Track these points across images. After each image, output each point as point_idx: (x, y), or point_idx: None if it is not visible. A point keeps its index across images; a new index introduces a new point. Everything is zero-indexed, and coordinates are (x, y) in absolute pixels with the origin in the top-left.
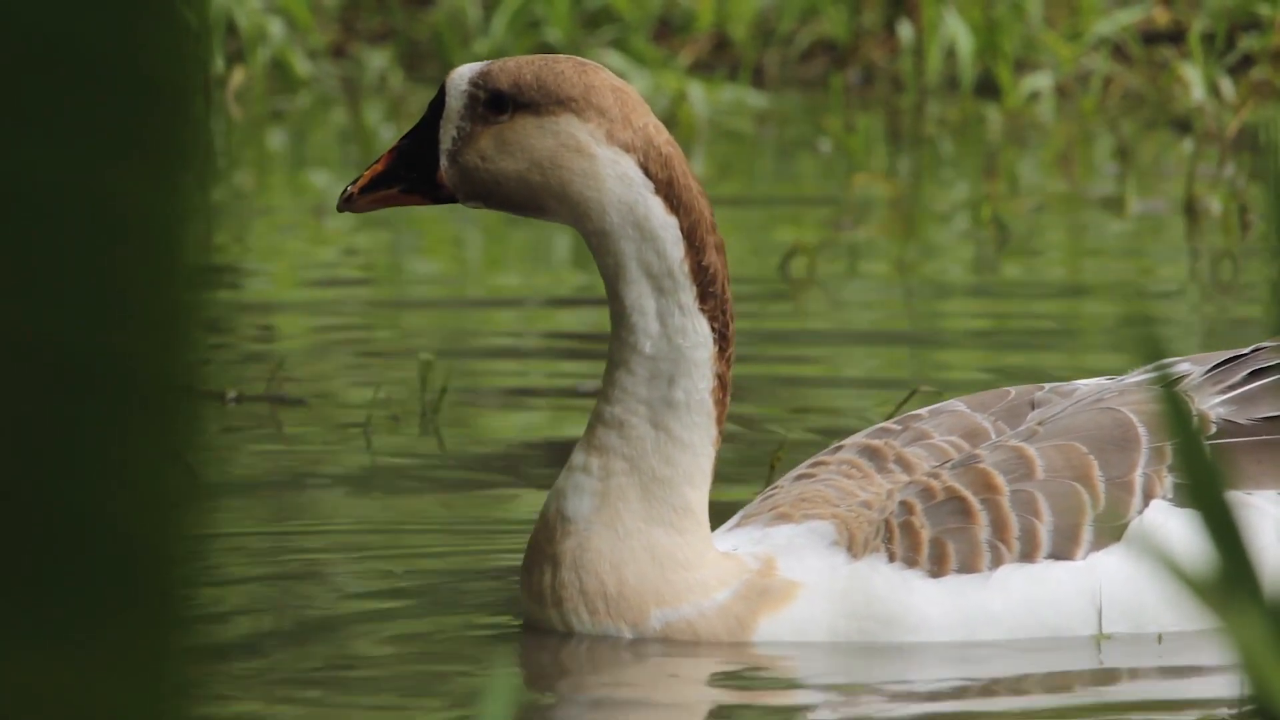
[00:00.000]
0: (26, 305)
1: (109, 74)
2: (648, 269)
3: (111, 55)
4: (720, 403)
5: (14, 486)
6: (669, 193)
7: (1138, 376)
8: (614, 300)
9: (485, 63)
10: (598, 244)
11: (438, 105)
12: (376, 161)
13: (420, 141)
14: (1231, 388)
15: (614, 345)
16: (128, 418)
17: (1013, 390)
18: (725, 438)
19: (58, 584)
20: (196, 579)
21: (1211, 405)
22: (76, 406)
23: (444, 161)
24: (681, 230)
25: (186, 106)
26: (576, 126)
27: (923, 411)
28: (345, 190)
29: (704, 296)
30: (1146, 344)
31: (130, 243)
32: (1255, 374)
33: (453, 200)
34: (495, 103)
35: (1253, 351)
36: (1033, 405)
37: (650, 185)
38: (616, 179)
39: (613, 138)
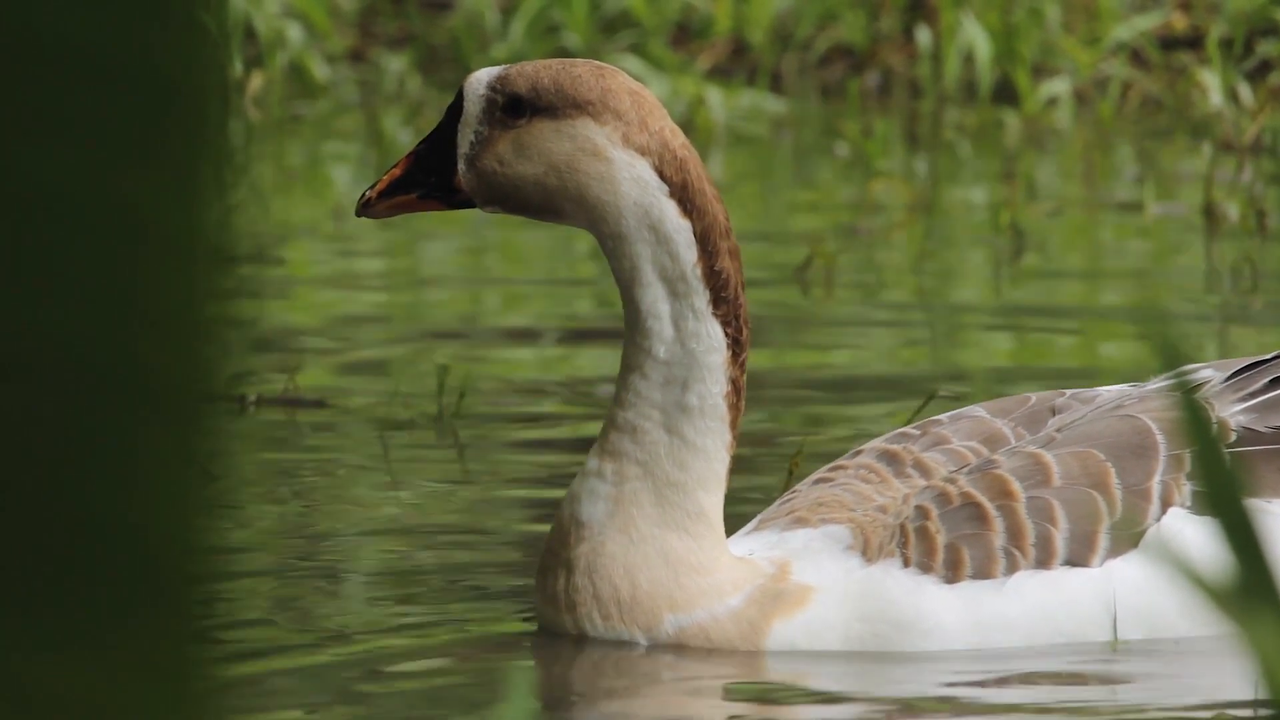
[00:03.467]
0: (43, 309)
1: (126, 78)
2: (663, 273)
3: (129, 59)
4: (734, 407)
5: (33, 490)
6: (683, 196)
7: (1160, 383)
8: (629, 305)
9: (502, 67)
10: (614, 248)
11: (455, 110)
12: (394, 166)
13: (437, 146)
14: (1252, 395)
15: (628, 350)
16: (146, 422)
17: (1034, 396)
18: (741, 442)
19: (75, 587)
20: (213, 581)
21: (1231, 413)
22: (94, 411)
23: (461, 166)
24: (695, 234)
25: (205, 110)
26: (593, 130)
27: (943, 417)
28: (364, 195)
29: (717, 301)
30: (1166, 350)
31: (149, 247)
32: (1276, 381)
33: (470, 205)
34: (513, 107)
35: (1274, 358)
36: (1053, 411)
37: (665, 188)
38: (632, 182)
39: (629, 141)
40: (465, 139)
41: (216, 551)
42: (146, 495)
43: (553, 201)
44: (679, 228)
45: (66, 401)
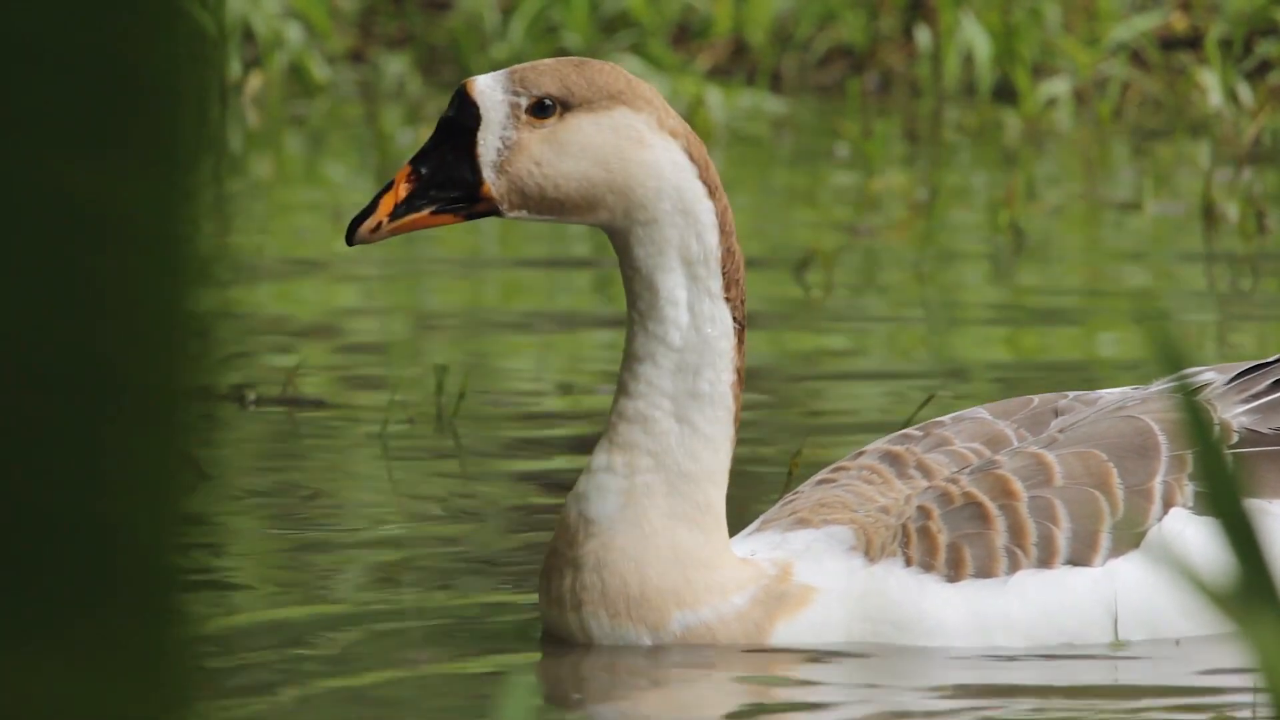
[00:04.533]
0: (25, 309)
1: (116, 77)
2: (686, 256)
3: (120, 58)
4: (737, 398)
5: (14, 490)
6: (705, 177)
7: (1162, 385)
8: (645, 292)
9: (509, 70)
10: (642, 235)
11: (452, 122)
12: (385, 190)
13: (447, 160)
14: (1254, 397)
15: (638, 340)
16: (126, 420)
17: (1036, 398)
18: (741, 443)
19: (58, 585)
20: (201, 580)
21: (1234, 414)
22: (73, 409)
23: (489, 174)
24: (715, 215)
25: (192, 108)
26: (632, 118)
27: (945, 418)
28: (360, 223)
29: (728, 285)
30: (1168, 352)
31: (135, 246)
32: (1278, 384)
33: (489, 214)
34: (540, 107)
35: (1276, 360)
36: (1056, 413)
37: (694, 169)
38: (672, 165)
39: (663, 125)
40: (490, 146)
41: (198, 549)
42: (123, 492)
43: (593, 194)
44: (707, 209)
45: (43, 399)
